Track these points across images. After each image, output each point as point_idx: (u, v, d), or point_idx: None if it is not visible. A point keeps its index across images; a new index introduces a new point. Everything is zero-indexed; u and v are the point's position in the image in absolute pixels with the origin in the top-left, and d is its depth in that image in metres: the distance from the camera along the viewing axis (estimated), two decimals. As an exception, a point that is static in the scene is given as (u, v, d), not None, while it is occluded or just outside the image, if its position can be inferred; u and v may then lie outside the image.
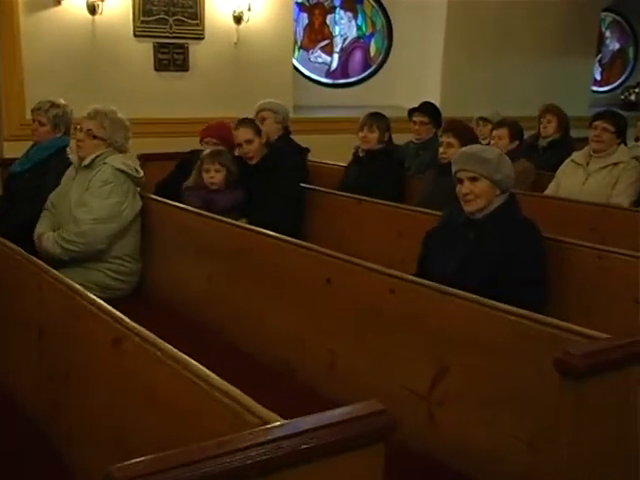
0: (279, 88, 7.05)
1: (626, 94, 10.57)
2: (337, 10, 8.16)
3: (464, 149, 3.03)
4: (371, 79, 8.54)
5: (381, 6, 8.43)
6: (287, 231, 4.18)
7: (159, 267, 3.82)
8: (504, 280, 2.82)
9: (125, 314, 3.62)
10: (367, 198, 4.05)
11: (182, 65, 6.55)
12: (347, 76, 8.40)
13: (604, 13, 10.45)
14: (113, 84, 6.20)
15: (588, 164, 4.70)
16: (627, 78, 10.92)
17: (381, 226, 3.83)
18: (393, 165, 4.93)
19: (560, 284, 2.95)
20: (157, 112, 6.39)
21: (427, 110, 5.74)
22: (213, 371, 2.94)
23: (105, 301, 3.65)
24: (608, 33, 10.70)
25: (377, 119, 4.93)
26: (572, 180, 4.73)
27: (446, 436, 2.22)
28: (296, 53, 7.97)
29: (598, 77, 10.77)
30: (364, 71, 8.49)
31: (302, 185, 4.53)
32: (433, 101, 8.47)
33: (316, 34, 8.09)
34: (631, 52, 10.91)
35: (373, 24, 8.46)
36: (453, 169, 3.00)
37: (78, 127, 3.85)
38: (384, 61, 8.58)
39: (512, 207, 2.98)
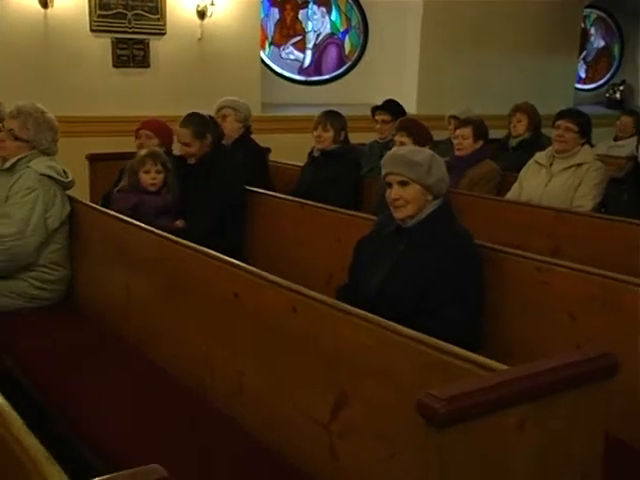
0: (246, 85, 6.85)
1: (611, 92, 10.35)
2: (310, 5, 7.93)
3: (393, 150, 2.81)
4: (346, 76, 8.33)
5: (356, 1, 8.21)
6: (224, 235, 4.06)
7: (87, 275, 3.61)
8: (434, 295, 2.61)
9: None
10: (309, 202, 3.83)
11: (142, 61, 6.34)
12: (321, 73, 8.18)
13: (588, 10, 10.24)
14: (69, 82, 6.00)
15: (551, 165, 4.49)
16: (612, 76, 10.70)
17: (322, 232, 3.62)
18: (349, 166, 4.72)
19: (497, 296, 2.73)
20: (116, 110, 6.18)
21: (389, 108, 5.51)
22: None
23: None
24: (593, 30, 10.48)
25: (331, 117, 4.72)
26: (535, 182, 4.51)
27: (348, 470, 2.01)
28: (267, 49, 7.76)
29: (583, 75, 10.55)
30: (339, 68, 8.27)
31: (248, 188, 4.32)
32: (410, 99, 8.40)
33: (288, 30, 7.87)
34: (616, 49, 10.69)
35: (348, 20, 8.24)
36: (382, 172, 2.79)
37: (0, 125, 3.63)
38: (359, 58, 8.36)
39: (445, 214, 2.76)
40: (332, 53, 8.19)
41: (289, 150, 5.84)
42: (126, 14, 6.14)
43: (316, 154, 4.80)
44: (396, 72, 8.19)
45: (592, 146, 4.53)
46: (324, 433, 2.06)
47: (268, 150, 5.77)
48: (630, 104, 10.11)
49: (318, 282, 3.30)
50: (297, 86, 8.03)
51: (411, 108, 8.14)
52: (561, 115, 4.49)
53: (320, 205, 3.73)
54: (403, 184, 2.70)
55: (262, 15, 7.57)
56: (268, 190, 4.87)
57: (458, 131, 5.03)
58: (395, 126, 4.54)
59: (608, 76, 10.69)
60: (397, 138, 4.33)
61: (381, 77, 8.22)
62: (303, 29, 7.96)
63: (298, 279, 3.80)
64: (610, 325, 2.39)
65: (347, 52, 8.28)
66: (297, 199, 3.97)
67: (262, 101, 7.29)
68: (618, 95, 10.31)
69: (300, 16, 7.89)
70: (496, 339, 2.71)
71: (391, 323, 1.89)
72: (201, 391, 2.60)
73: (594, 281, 2.45)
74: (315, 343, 2.09)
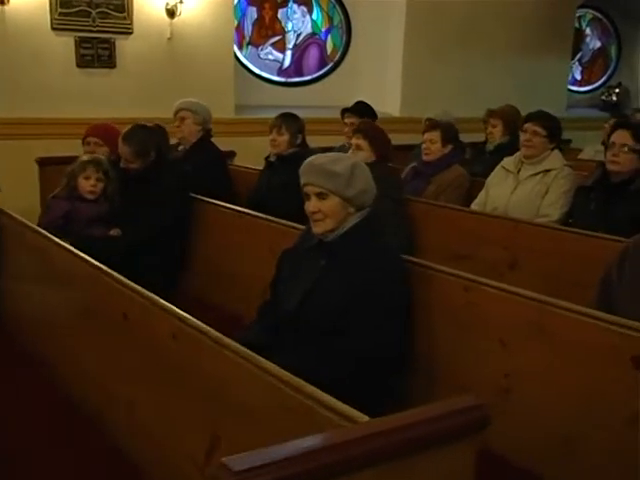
0: (219, 86, 6.62)
1: (607, 94, 10.06)
2: (290, 4, 7.69)
3: (310, 159, 2.57)
4: (328, 78, 8.08)
5: (339, 0, 7.97)
6: (155, 252, 3.84)
7: (12, 290, 3.39)
8: (354, 312, 2.37)
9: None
10: (247, 211, 3.61)
11: (108, 61, 6.10)
12: (301, 74, 7.93)
13: (584, 10, 9.96)
14: (29, 82, 5.77)
15: (519, 171, 4.23)
16: (609, 78, 10.40)
17: (258, 242, 3.39)
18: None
19: (425, 316, 2.49)
20: (80, 112, 5.93)
21: (358, 110, 5.28)
22: (27, 410, 2.57)
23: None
24: (588, 30, 10.19)
25: (287, 120, 4.50)
26: (501, 189, 4.25)
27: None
28: (244, 50, 7.52)
29: (578, 77, 10.26)
30: (320, 69, 8.02)
31: (193, 195, 4.10)
32: (394, 101, 8.14)
33: (266, 29, 7.62)
34: (613, 51, 10.39)
35: (330, 19, 7.99)
36: (300, 182, 2.55)
37: None
38: (342, 59, 8.11)
39: (368, 228, 2.52)
40: (313, 53, 7.95)
41: (265, 154, 5.62)
42: (90, 12, 5.92)
43: (272, 159, 4.58)
44: (379, 73, 7.95)
45: (562, 151, 4.27)
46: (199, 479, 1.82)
47: (232, 154, 5.55)
48: (626, 107, 9.83)
49: (256, 297, 3.07)
50: (276, 87, 7.78)
51: (394, 110, 7.92)
52: (528, 118, 4.23)
53: (256, 214, 3.51)
54: (321, 196, 2.47)
55: (239, 14, 7.36)
56: (230, 196, 4.68)
57: (426, 135, 4.79)
58: (354, 129, 4.30)
59: (604, 78, 10.40)
60: (353, 141, 4.10)
61: (364, 78, 7.97)
62: (283, 29, 7.72)
63: (238, 293, 3.61)
64: (542, 354, 2.14)
65: (329, 52, 8.04)
66: (235, 207, 3.74)
67: (238, 103, 7.07)
68: (614, 98, 10.02)
69: (279, 15, 7.65)
70: (421, 361, 2.48)
71: (260, 359, 1.65)
72: (96, 418, 2.37)
73: (525, 304, 2.21)
74: (192, 374, 1.86)
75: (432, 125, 4.83)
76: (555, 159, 4.16)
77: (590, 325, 2.01)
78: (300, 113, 7.15)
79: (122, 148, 3.90)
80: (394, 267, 2.45)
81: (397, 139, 6.26)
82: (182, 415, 1.91)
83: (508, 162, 4.31)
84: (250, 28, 7.51)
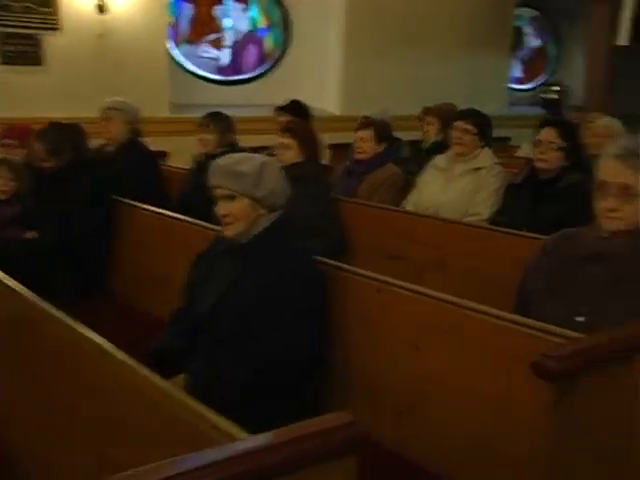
0: (153, 85, 6.47)
1: (547, 92, 10.16)
2: (226, 1, 7.55)
3: (217, 161, 2.47)
4: (267, 75, 7.98)
5: (277, -3, 7.88)
6: (86, 246, 3.71)
7: None
8: (268, 316, 2.28)
9: None
10: (168, 213, 3.49)
11: (34, 58, 5.90)
12: (240, 72, 7.81)
13: (523, 9, 10.04)
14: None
15: (450, 169, 4.18)
16: (549, 76, 10.51)
17: (178, 244, 3.26)
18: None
19: (340, 319, 2.41)
20: (4, 111, 5.73)
21: (291, 109, 5.17)
22: None
23: None
24: (528, 29, 10.27)
25: (215, 119, 4.37)
26: (433, 187, 4.19)
27: None
28: (181, 47, 7.36)
29: (519, 74, 10.34)
30: (259, 67, 7.91)
31: (116, 197, 3.95)
32: (334, 99, 8.07)
33: (203, 27, 7.48)
34: (553, 49, 10.49)
35: (268, 17, 7.88)
36: (209, 185, 2.45)
37: None
38: (281, 56, 8.02)
39: (281, 230, 2.43)
40: (252, 51, 7.84)
41: (200, 153, 5.49)
42: (13, 6, 5.71)
43: (200, 158, 4.45)
44: (320, 71, 7.89)
45: (491, 148, 4.24)
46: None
47: (163, 154, 5.41)
48: (566, 104, 9.93)
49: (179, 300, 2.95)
50: (214, 86, 7.65)
51: (335, 108, 7.86)
52: (459, 116, 4.19)
53: (176, 216, 3.40)
54: (230, 198, 2.37)
55: (174, 10, 7.20)
56: (160, 197, 4.54)
57: (359, 133, 4.69)
58: (280, 127, 4.20)
59: (545, 76, 10.50)
60: (281, 140, 3.99)
61: (304, 76, 7.90)
62: (220, 26, 7.58)
63: (163, 296, 3.48)
64: (454, 358, 2.07)
65: (268, 50, 7.93)
66: (155, 209, 3.61)
67: (175, 102, 6.92)
68: (554, 95, 10.12)
69: (216, 12, 7.51)
70: (337, 365, 2.40)
71: (146, 373, 1.53)
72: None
73: (437, 307, 2.13)
74: (74, 388, 1.73)
75: (365, 123, 4.75)
76: (485, 157, 4.12)
77: (502, 328, 1.94)
78: (239, 112, 7.09)
79: (36, 146, 3.77)
80: (306, 269, 2.37)
81: (338, 137, 6.23)
82: (70, 434, 1.79)
83: (439, 160, 4.26)
84: (186, 25, 7.35)
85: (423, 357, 2.16)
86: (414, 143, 6.10)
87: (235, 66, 7.75)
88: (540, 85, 10.42)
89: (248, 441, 1.23)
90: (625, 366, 1.61)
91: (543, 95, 10.21)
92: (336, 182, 4.71)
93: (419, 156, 5.53)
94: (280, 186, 2.43)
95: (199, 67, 7.50)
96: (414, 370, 2.18)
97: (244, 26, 7.74)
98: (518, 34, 9.98)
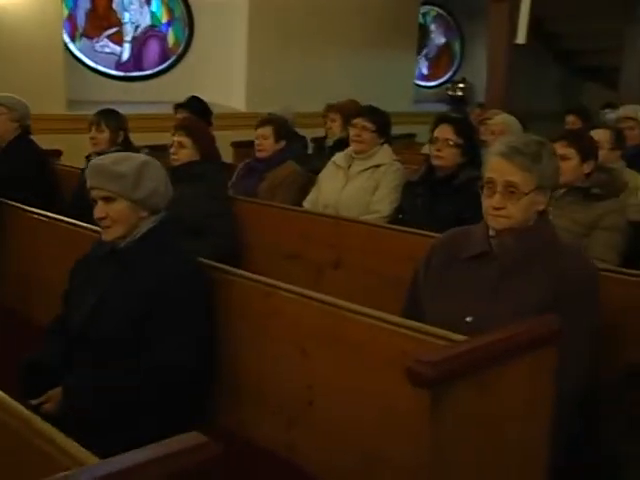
0: (47, 81, 6.20)
1: (452, 90, 10.31)
2: (125, -6, 7.33)
3: (94, 160, 2.36)
4: (170, 72, 7.78)
5: (180, -9, 7.70)
6: None
7: None
8: (150, 326, 2.18)
9: None
10: (55, 215, 3.32)
11: None
12: (142, 68, 7.59)
13: (427, 6, 10.16)
14: None
15: (350, 167, 4.15)
16: (454, 73, 10.68)
17: (66, 248, 3.10)
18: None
19: (228, 325, 2.33)
20: None
21: (191, 106, 5.05)
22: None
23: None
24: (433, 27, 10.41)
25: (106, 116, 4.21)
26: (332, 185, 4.15)
27: None
28: (78, 42, 7.09)
29: (425, 72, 10.47)
30: (162, 63, 7.71)
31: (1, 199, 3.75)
32: (239, 96, 7.95)
33: (101, 20, 7.22)
34: (457, 46, 10.67)
35: (170, 11, 7.69)
36: (87, 186, 2.32)
37: None
38: (185, 52, 7.84)
39: (164, 233, 2.33)
40: (154, 47, 7.63)
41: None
42: None
43: (93, 158, 4.26)
44: (224, 67, 7.75)
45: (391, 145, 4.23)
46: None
47: (57, 153, 5.18)
48: (471, 101, 10.10)
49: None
50: (115, 82, 7.40)
51: (240, 105, 7.74)
52: (357, 113, 4.16)
53: (62, 218, 3.24)
54: (108, 200, 2.25)
55: (70, 3, 6.92)
56: (51, 198, 4.35)
57: (258, 130, 4.61)
58: (175, 125, 4.07)
59: (450, 73, 10.67)
60: (175, 138, 3.86)
61: (208, 72, 7.74)
62: (119, 20, 7.34)
63: (52, 306, 3.31)
64: (341, 364, 2.02)
65: (171, 46, 7.74)
66: (38, 211, 3.43)
67: (73, 98, 6.66)
68: (459, 92, 10.29)
69: (115, 6, 7.27)
70: (227, 373, 2.33)
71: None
72: None
73: (323, 311, 2.07)
74: None
75: (264, 120, 4.67)
76: (385, 154, 4.10)
77: (385, 330, 1.90)
78: (141, 109, 6.91)
79: None
80: (190, 273, 2.27)
81: (243, 135, 6.11)
82: None
83: (339, 158, 4.22)
84: (83, 18, 7.08)
85: (309, 361, 2.10)
86: (319, 140, 6.07)
87: (136, 62, 7.52)
88: (446, 82, 10.57)
89: (98, 467, 1.14)
90: (504, 368, 1.59)
91: (449, 92, 10.36)
92: (236, 181, 4.63)
93: (322, 153, 5.50)
94: (162, 187, 2.33)
95: (99, 62, 7.24)
96: (301, 375, 2.13)
97: (145, 21, 7.52)
98: (423, 32, 10.10)
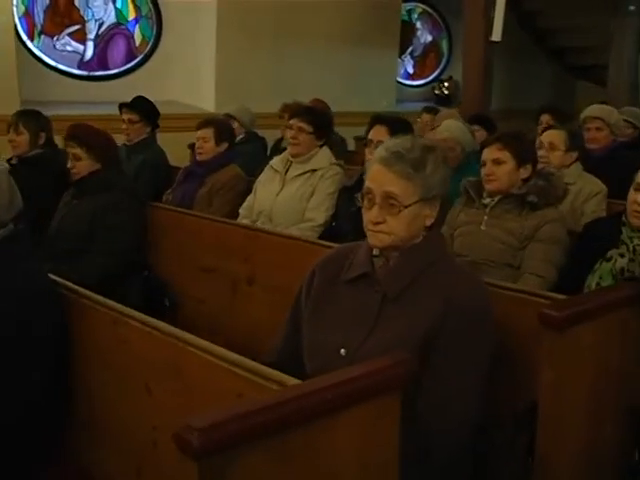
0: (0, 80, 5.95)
1: (438, 88, 9.99)
2: (89, -10, 7.06)
3: None
4: (137, 71, 7.50)
5: (147, -12, 7.43)
6: None
7: None
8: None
9: None
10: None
11: None
12: (107, 67, 7.32)
13: (413, 4, 9.85)
14: None
15: (287, 171, 3.87)
16: (441, 72, 10.35)
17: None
18: (48, 177, 3.92)
19: (83, 356, 2.05)
20: None
21: (137, 106, 4.76)
22: None
23: None
24: (419, 24, 10.08)
25: (25, 118, 3.97)
26: (267, 190, 3.88)
27: None
28: (37, 40, 6.83)
29: (411, 70, 10.15)
30: (128, 62, 7.44)
31: None
32: (209, 95, 7.67)
33: (62, 17, 6.95)
34: (444, 45, 10.35)
35: (137, 8, 7.42)
36: None
37: None
38: (153, 51, 7.56)
39: (10, 249, 2.06)
40: (119, 45, 7.35)
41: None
42: None
43: (14, 162, 4.00)
44: (193, 66, 7.48)
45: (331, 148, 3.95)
46: None
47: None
48: (457, 100, 9.77)
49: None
50: (77, 82, 7.13)
51: (210, 105, 7.45)
52: (293, 114, 3.88)
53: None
54: None
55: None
56: None
57: (198, 132, 4.34)
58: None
59: (436, 72, 10.33)
60: (68, 150, 3.51)
61: (177, 72, 7.48)
62: (82, 17, 7.07)
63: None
64: (182, 402, 1.74)
65: (137, 44, 7.46)
66: None
67: (32, 99, 6.38)
68: (445, 91, 9.96)
69: (76, 2, 7.00)
70: (81, 410, 2.06)
71: None
72: None
73: (164, 342, 1.80)
74: None
75: (205, 122, 4.39)
76: (323, 158, 3.83)
77: (223, 370, 1.62)
78: (106, 109, 6.63)
79: None
80: (36, 292, 2.00)
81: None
82: None
83: (276, 161, 3.95)
84: (42, 15, 6.82)
85: (155, 400, 1.82)
86: (277, 142, 5.81)
87: (101, 61, 7.26)
88: (433, 81, 10.24)
89: None
90: (321, 426, 1.30)
91: (435, 91, 10.04)
92: (176, 186, 4.36)
93: (278, 155, 5.22)
94: (6, 199, 2.06)
95: (60, 61, 6.98)
96: (148, 416, 1.84)
97: (109, 18, 7.25)
98: (409, 29, 9.79)
